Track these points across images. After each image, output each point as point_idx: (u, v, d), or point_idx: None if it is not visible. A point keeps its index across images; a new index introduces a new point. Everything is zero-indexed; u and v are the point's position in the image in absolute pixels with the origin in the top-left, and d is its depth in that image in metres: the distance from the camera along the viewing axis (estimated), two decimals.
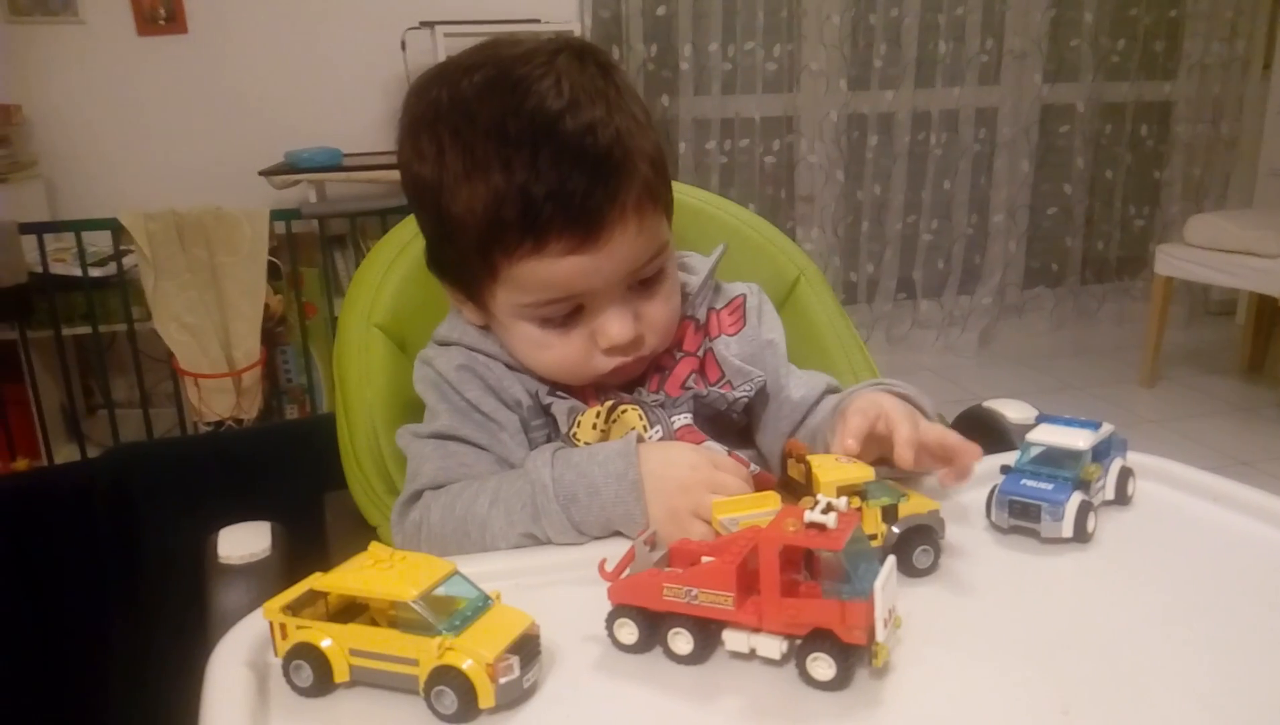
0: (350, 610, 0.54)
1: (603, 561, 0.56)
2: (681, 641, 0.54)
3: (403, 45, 3.01)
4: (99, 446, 2.60)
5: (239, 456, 1.30)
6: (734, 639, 0.54)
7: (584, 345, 0.77)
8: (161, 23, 2.92)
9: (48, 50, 2.88)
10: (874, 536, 0.62)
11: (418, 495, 0.75)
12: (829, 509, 0.52)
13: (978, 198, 3.59)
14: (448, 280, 0.81)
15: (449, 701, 0.49)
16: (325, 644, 0.51)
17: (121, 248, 2.54)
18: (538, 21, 3.03)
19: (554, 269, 0.71)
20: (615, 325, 0.75)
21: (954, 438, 0.69)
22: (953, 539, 0.67)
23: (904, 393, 0.77)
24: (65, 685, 1.02)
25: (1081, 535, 0.66)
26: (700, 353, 0.85)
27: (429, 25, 2.90)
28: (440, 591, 0.52)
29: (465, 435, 0.78)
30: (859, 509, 0.61)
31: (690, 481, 0.67)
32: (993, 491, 0.69)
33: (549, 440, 0.79)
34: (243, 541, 0.69)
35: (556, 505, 0.67)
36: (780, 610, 0.52)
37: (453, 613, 0.51)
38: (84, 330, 2.56)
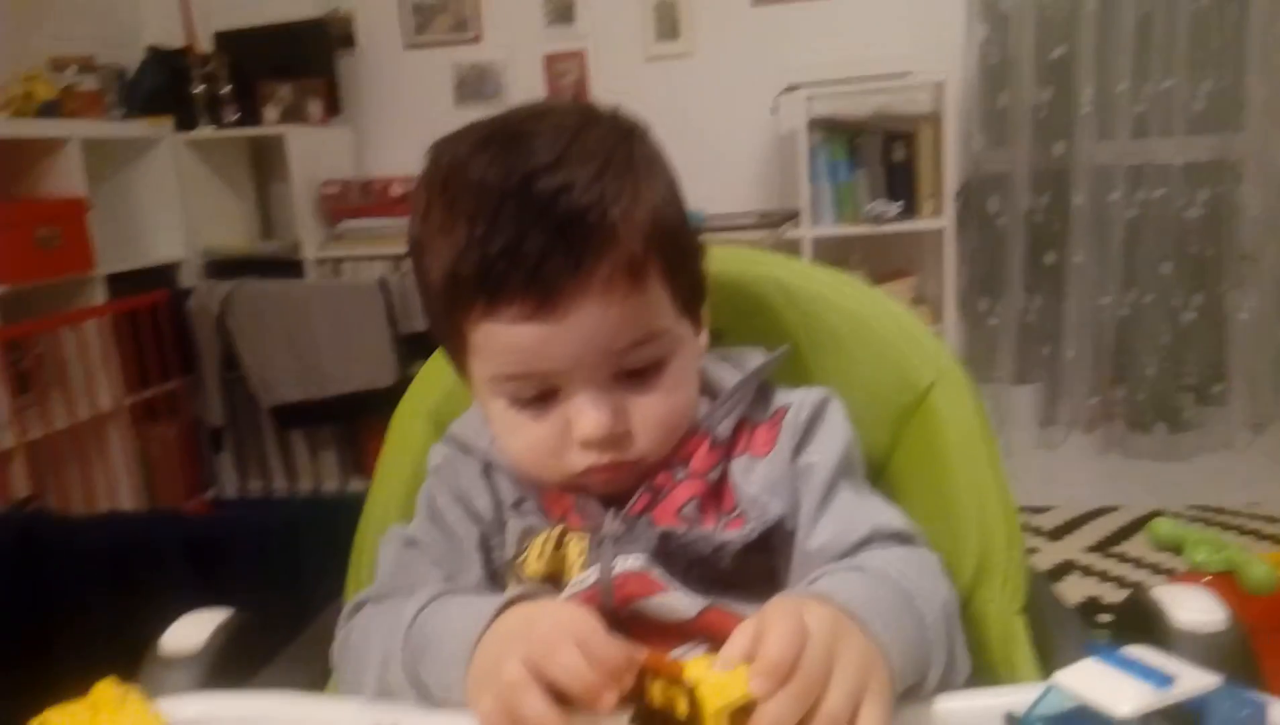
0: None
1: None
2: None
3: (774, 109, 3.01)
4: None
5: None
6: None
7: (555, 433, 0.66)
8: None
9: None
10: None
11: (360, 605, 0.70)
12: None
13: None
14: (445, 353, 0.74)
15: None
16: None
17: None
18: (908, 74, 2.86)
19: (510, 336, 0.63)
20: (588, 415, 0.64)
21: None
22: None
23: (849, 606, 0.54)
24: None
25: None
26: (713, 476, 0.70)
27: (795, 88, 2.87)
28: None
29: (426, 544, 0.72)
30: None
31: (516, 647, 0.52)
32: None
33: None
34: (186, 632, 0.69)
35: (400, 654, 0.58)
36: None
37: None
38: None
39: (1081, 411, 3.01)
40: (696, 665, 0.47)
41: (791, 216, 2.94)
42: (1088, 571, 2.25)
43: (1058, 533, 2.47)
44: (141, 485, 2.83)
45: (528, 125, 0.65)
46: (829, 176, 2.92)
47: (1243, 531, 2.38)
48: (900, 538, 0.67)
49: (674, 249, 0.67)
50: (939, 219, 2.84)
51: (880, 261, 3.03)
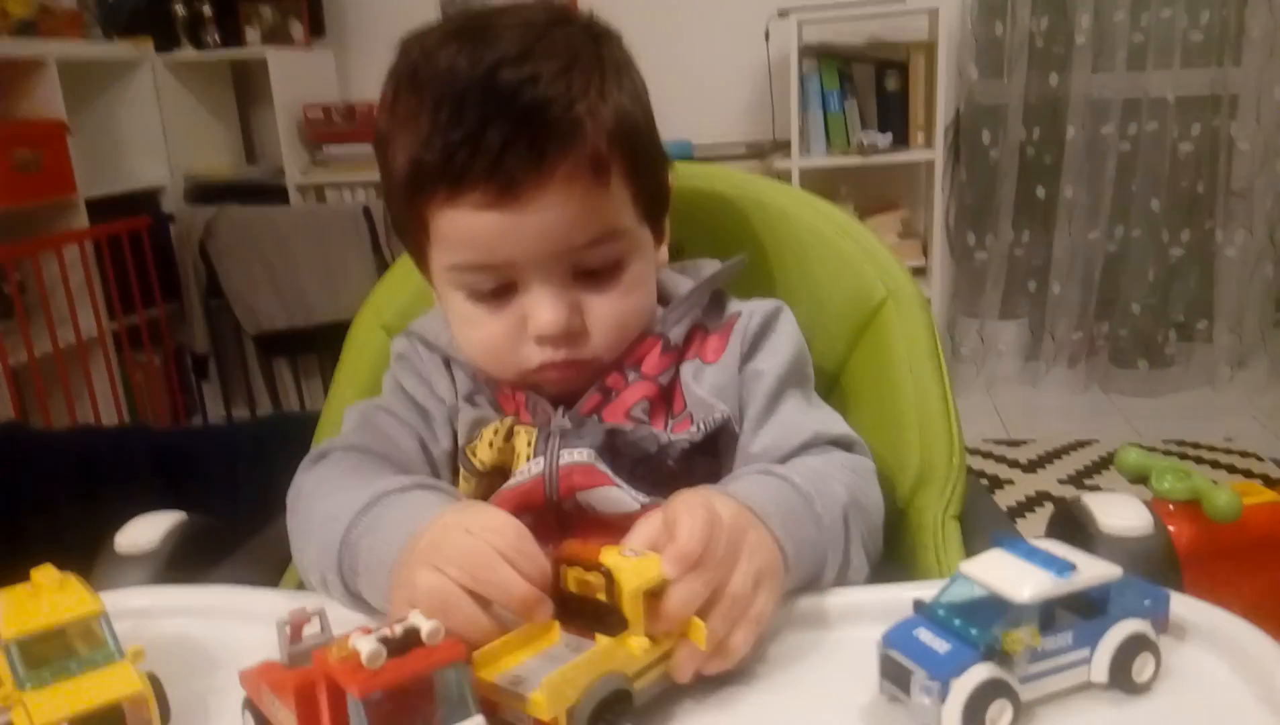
0: None
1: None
2: None
3: (766, 35, 2.96)
4: None
5: None
6: None
7: (512, 328, 0.67)
8: None
9: None
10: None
11: (324, 454, 0.69)
12: (400, 637, 0.38)
13: None
14: (406, 248, 0.75)
15: None
16: None
17: None
18: (902, 0, 2.81)
19: (471, 224, 0.63)
20: (544, 309, 0.65)
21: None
22: (797, 699, 0.47)
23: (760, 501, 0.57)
24: None
25: None
26: (664, 379, 0.70)
27: (786, 14, 2.82)
28: (73, 634, 0.47)
29: (396, 410, 0.73)
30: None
31: (430, 558, 0.52)
32: None
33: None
34: (141, 531, 0.71)
35: (336, 567, 0.58)
36: None
37: (66, 659, 0.46)
38: None
39: (1065, 347, 3.02)
40: (609, 552, 0.48)
41: (780, 147, 2.91)
42: (1061, 503, 2.28)
43: (1033, 465, 2.50)
44: (126, 412, 2.84)
45: (497, 20, 0.65)
46: (819, 106, 2.89)
47: (1216, 465, 2.41)
48: (840, 443, 0.68)
49: (638, 152, 0.67)
50: (930, 150, 2.81)
51: (869, 193, 3.01)
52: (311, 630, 0.46)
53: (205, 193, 3.10)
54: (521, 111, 0.61)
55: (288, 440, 1.28)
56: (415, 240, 0.70)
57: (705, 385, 0.70)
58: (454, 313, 0.70)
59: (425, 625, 0.40)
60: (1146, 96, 2.83)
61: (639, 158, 0.67)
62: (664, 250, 0.74)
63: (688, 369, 0.71)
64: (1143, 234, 2.90)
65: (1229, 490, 1.55)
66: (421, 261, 0.72)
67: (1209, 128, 2.84)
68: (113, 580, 0.69)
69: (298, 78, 3.07)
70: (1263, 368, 2.87)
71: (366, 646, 0.38)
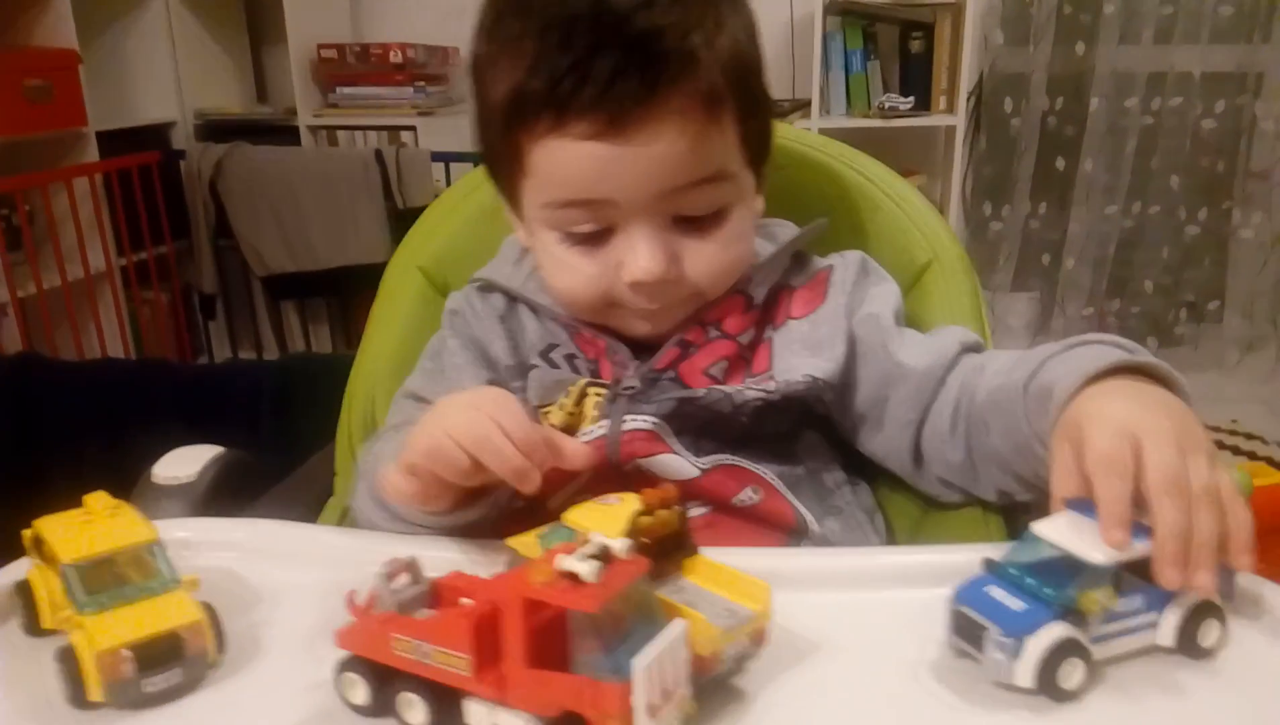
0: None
1: (351, 593, 0.46)
2: (414, 711, 0.43)
3: None
4: None
5: None
6: (476, 713, 0.42)
7: (605, 272, 0.65)
8: None
9: None
10: None
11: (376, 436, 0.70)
12: (600, 554, 0.39)
13: None
14: (494, 181, 0.72)
15: (63, 680, 0.44)
16: (36, 585, 0.49)
17: None
18: None
19: (574, 155, 0.60)
20: (641, 254, 0.62)
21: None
22: (861, 656, 0.47)
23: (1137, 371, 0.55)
24: None
25: (1051, 689, 0.43)
26: (744, 338, 0.69)
27: None
28: (125, 560, 0.47)
29: (429, 398, 0.71)
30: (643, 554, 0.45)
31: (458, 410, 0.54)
32: None
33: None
34: (179, 463, 0.70)
35: (366, 476, 0.59)
36: (525, 683, 0.41)
37: (120, 585, 0.46)
38: None
39: (1076, 322, 3.01)
40: (577, 515, 0.49)
41: (800, 106, 2.87)
42: None
43: None
44: (133, 348, 2.83)
45: None
46: (842, 66, 2.84)
47: (1221, 447, 2.41)
48: (979, 348, 0.68)
49: (750, 91, 0.64)
50: (952, 116, 2.78)
51: (887, 158, 2.93)
52: (402, 581, 0.46)
53: (216, 130, 3.05)
54: (634, 39, 0.58)
55: (311, 381, 1.27)
56: (508, 174, 0.67)
57: (796, 340, 0.69)
58: (547, 254, 0.68)
59: (616, 543, 0.41)
60: (1172, 71, 2.79)
61: (750, 97, 0.65)
62: (761, 199, 0.72)
63: (782, 333, 0.70)
64: (1160, 212, 2.88)
65: (1239, 469, 1.55)
66: (513, 199, 0.69)
67: (1233, 106, 2.81)
68: (149, 511, 0.67)
69: (311, 15, 3.01)
70: (1271, 352, 2.86)
71: (585, 566, 0.39)
